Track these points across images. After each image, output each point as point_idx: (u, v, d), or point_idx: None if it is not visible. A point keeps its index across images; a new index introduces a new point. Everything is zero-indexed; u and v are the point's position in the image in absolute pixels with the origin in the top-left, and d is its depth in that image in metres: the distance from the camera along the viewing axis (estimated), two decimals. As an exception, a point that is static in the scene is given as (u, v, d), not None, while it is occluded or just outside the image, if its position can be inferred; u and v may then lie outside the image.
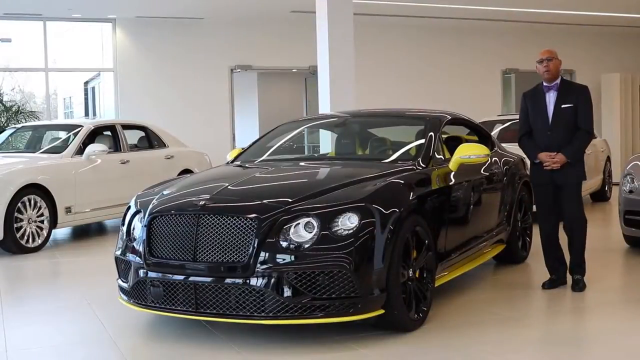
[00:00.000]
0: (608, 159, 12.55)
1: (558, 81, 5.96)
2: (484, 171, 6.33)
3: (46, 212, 8.69)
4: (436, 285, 5.24)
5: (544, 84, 6.01)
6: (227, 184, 5.02)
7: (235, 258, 4.46)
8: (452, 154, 5.94)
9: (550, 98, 5.94)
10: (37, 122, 12.15)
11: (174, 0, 12.58)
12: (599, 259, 7.55)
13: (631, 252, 7.77)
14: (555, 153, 5.84)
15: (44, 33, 13.50)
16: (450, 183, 5.62)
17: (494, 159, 6.64)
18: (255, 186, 5.11)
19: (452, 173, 5.70)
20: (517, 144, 6.30)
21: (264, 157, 6.31)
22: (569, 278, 6.11)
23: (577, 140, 5.88)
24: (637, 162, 7.70)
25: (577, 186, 5.99)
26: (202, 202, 4.70)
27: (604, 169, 12.23)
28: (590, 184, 11.38)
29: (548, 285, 6.04)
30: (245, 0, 12.83)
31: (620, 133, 16.70)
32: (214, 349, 4.61)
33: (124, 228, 5.19)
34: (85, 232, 10.34)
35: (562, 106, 5.88)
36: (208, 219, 4.59)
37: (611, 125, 16.70)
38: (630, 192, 7.54)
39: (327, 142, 8.79)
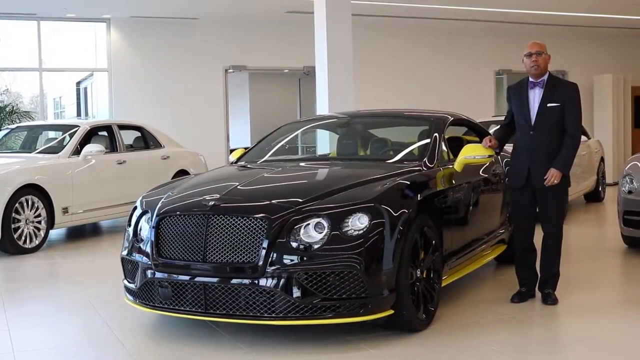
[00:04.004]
0: (602, 159, 12.60)
1: (545, 77, 5.56)
2: (486, 172, 6.35)
3: (43, 213, 8.65)
4: (442, 285, 5.25)
5: (530, 79, 5.60)
6: (237, 184, 5.02)
7: (245, 258, 4.45)
8: (453, 154, 5.97)
9: (535, 95, 5.53)
10: (32, 123, 12.07)
11: (168, 0, 12.55)
12: (598, 260, 7.61)
13: (630, 253, 7.80)
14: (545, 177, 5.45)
15: (38, 33, 13.41)
16: (456, 183, 5.64)
17: (495, 158, 6.67)
18: (264, 186, 5.11)
19: (457, 173, 5.71)
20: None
21: (268, 158, 6.31)
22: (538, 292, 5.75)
23: (566, 149, 5.45)
24: (637, 163, 7.74)
25: (561, 193, 5.59)
26: (211, 203, 4.69)
27: (597, 169, 12.28)
28: (584, 185, 11.45)
29: (518, 299, 5.65)
30: (240, 1, 12.80)
31: (613, 134, 16.78)
32: (223, 350, 4.61)
33: (131, 229, 5.16)
34: (81, 233, 10.30)
35: (548, 105, 5.47)
36: (218, 220, 4.57)
37: (603, 126, 16.78)
38: (629, 192, 7.58)
39: (325, 143, 8.77)
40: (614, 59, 17.88)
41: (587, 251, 8.04)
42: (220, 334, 4.90)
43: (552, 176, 5.43)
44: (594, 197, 12.42)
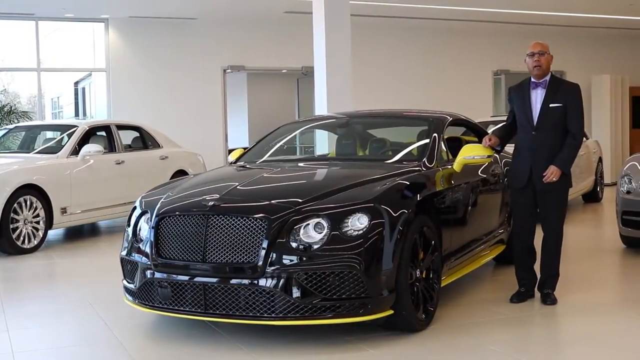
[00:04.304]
0: (600, 160, 12.61)
1: (547, 78, 5.55)
2: (485, 172, 6.35)
3: (42, 213, 8.65)
4: (441, 285, 5.25)
5: (532, 79, 5.57)
6: (236, 184, 5.01)
7: (245, 259, 4.45)
8: (452, 154, 5.97)
9: (538, 96, 5.52)
10: (30, 123, 12.08)
11: (167, 0, 12.54)
12: (597, 260, 7.61)
13: (629, 253, 7.81)
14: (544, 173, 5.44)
15: (36, 33, 13.39)
16: (455, 183, 5.64)
17: (494, 159, 6.66)
18: (264, 186, 5.10)
19: (457, 173, 5.70)
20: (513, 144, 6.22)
21: (267, 158, 6.31)
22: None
23: (567, 148, 5.46)
24: (635, 163, 7.75)
25: (562, 194, 5.59)
26: (211, 203, 4.68)
27: (595, 170, 12.29)
28: (582, 185, 11.45)
29: (517, 299, 5.64)
30: (238, 1, 12.80)
31: (611, 134, 16.80)
32: (222, 350, 4.60)
33: (130, 229, 5.15)
34: (79, 233, 10.29)
35: (551, 105, 5.45)
36: (217, 220, 4.57)
37: (601, 127, 16.80)
38: (628, 192, 7.59)
39: (324, 143, 8.77)
40: (612, 60, 17.89)
41: (586, 251, 8.05)
42: (220, 334, 4.90)
43: (552, 173, 5.42)
44: (592, 197, 12.43)
